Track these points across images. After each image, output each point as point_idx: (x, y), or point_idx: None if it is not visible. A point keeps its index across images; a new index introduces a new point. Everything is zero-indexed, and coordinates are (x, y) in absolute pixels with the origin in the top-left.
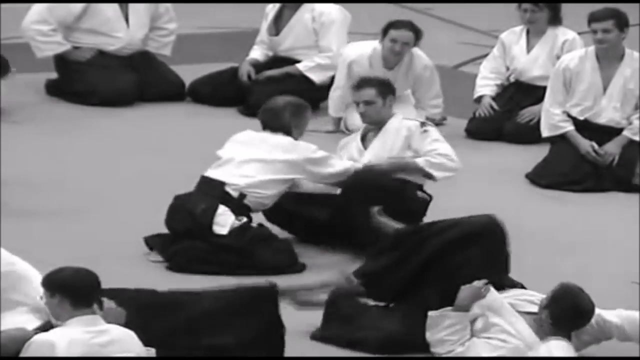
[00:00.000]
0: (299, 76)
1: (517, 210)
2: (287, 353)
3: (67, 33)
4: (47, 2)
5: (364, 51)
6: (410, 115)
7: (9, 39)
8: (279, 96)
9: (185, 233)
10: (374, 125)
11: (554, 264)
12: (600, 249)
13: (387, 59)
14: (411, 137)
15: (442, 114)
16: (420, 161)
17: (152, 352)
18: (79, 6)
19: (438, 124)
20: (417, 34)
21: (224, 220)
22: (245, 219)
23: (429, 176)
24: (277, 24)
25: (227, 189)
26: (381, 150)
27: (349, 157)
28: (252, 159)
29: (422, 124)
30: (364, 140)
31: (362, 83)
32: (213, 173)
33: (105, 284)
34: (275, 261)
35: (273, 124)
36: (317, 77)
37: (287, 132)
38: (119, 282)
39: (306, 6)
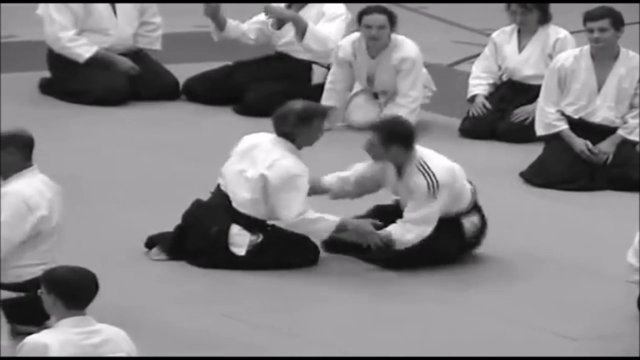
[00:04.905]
0: (295, 76)
1: (511, 210)
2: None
3: None
4: (43, 2)
5: (351, 37)
6: None
7: (7, 37)
8: (294, 100)
9: (201, 251)
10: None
11: (549, 262)
12: (596, 248)
13: (369, 47)
14: (415, 193)
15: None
16: (396, 233)
17: None
18: (79, 6)
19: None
20: (390, 16)
21: (241, 241)
22: (261, 237)
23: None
24: (282, 20)
25: (234, 205)
26: (404, 192)
27: (386, 184)
28: (240, 172)
29: (432, 188)
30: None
31: (374, 125)
32: (224, 184)
33: (105, 284)
34: (298, 265)
35: (278, 128)
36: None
37: (290, 139)
38: (120, 282)
39: (312, 4)
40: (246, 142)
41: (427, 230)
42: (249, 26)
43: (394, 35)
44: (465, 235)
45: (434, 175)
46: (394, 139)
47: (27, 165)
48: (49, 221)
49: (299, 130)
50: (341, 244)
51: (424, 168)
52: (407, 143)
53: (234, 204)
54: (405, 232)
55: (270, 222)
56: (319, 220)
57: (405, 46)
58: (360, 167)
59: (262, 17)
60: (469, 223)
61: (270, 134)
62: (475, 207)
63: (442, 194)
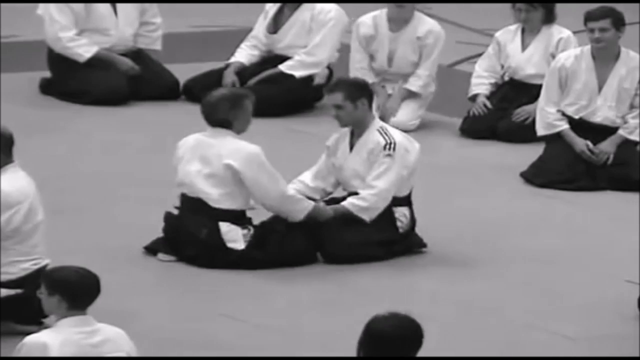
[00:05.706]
0: (296, 77)
1: (511, 209)
2: None
3: None
4: (44, 2)
5: (372, 13)
6: (410, 114)
7: (7, 37)
8: (215, 89)
9: (197, 256)
10: (353, 127)
11: (549, 262)
12: (596, 248)
13: (392, 21)
14: (373, 153)
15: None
16: (350, 207)
17: None
18: (80, 6)
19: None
20: None
21: (235, 236)
22: (251, 228)
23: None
24: (277, 22)
25: (211, 204)
26: (357, 159)
27: (335, 158)
28: (197, 172)
29: (389, 146)
30: (353, 137)
31: (332, 87)
32: (189, 190)
33: (105, 284)
34: (298, 260)
35: (212, 118)
36: (298, 73)
37: (227, 126)
38: (119, 282)
39: (307, 5)
40: (186, 146)
41: (389, 187)
42: (240, 53)
43: (417, 13)
44: (397, 225)
45: (392, 136)
46: (360, 92)
47: (8, 162)
48: (33, 216)
49: (233, 114)
50: None
51: (383, 130)
52: (370, 97)
53: (211, 203)
54: (370, 191)
55: (248, 214)
56: (302, 200)
57: (431, 21)
58: (308, 172)
59: (253, 32)
60: (399, 213)
61: (200, 133)
62: (408, 201)
63: (398, 154)
